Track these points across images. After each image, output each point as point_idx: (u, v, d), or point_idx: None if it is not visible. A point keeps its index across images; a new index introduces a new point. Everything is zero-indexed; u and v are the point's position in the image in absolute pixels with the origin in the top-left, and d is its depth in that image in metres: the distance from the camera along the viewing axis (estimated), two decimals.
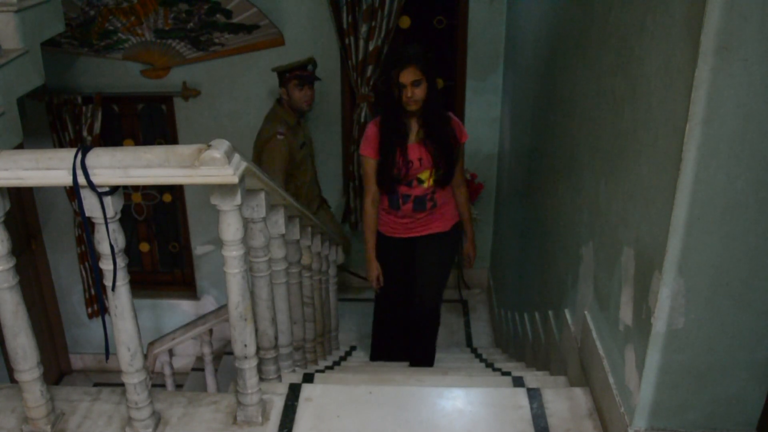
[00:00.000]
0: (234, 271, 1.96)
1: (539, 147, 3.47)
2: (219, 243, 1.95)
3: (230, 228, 1.89)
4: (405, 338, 4.10)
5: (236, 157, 1.79)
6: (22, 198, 5.80)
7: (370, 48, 5.09)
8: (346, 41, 5.10)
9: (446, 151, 3.57)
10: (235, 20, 5.10)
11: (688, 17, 1.44)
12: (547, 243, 3.14)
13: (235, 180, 1.73)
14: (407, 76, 3.37)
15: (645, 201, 1.73)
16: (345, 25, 5.06)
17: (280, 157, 4.38)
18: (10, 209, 1.89)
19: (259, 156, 4.46)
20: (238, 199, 1.84)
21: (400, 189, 3.65)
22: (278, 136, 4.40)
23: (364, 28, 5.03)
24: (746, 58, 1.37)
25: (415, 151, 3.57)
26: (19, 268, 1.93)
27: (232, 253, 1.93)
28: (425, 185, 3.63)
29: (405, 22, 5.33)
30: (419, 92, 3.40)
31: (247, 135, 5.42)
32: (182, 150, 1.73)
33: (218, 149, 1.71)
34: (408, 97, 3.39)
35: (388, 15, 4.99)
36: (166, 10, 5.08)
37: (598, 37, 2.23)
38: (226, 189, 1.82)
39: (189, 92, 5.44)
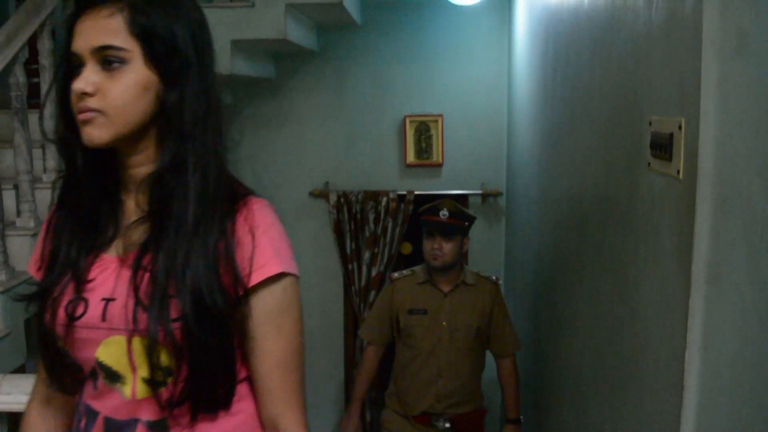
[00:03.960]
0: None
1: (544, 371, 3.45)
2: None
3: None
4: None
5: None
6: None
7: (373, 274, 5.22)
8: (350, 267, 5.24)
9: (193, 299, 1.28)
10: None
11: (678, 248, 1.50)
12: None
13: None
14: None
15: (650, 428, 1.71)
16: (348, 252, 5.22)
17: (379, 302, 3.73)
18: None
19: None
20: None
21: (82, 391, 1.38)
22: (390, 278, 3.73)
23: (366, 255, 5.19)
24: (737, 283, 1.39)
25: (108, 277, 1.33)
26: None
27: None
28: (126, 391, 1.31)
29: (407, 248, 5.48)
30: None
31: None
32: None
33: None
34: None
35: (390, 242, 5.17)
36: None
37: (594, 263, 2.30)
38: None
39: None
